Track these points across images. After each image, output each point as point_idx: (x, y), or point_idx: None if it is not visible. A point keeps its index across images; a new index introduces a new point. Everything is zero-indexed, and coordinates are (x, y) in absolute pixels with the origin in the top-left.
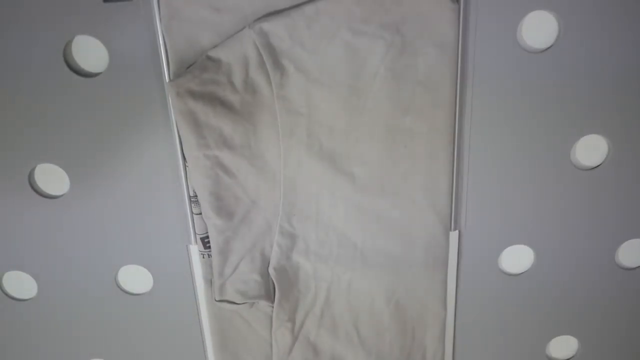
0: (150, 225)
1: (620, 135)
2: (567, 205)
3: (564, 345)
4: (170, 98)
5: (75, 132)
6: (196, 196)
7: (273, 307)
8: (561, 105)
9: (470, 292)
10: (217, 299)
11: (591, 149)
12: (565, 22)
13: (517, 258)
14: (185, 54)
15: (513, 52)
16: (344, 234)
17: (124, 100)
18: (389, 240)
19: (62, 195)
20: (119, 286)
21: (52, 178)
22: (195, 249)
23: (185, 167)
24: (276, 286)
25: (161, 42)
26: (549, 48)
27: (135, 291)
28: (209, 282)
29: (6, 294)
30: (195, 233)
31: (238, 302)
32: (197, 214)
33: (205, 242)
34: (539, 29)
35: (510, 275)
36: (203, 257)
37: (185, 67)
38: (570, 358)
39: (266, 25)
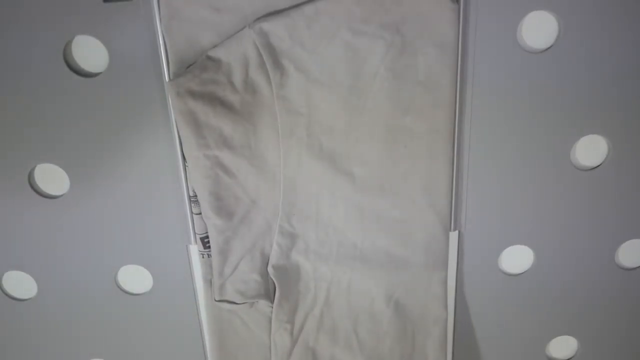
0: (150, 225)
1: (620, 135)
2: (567, 206)
3: (564, 345)
4: (170, 98)
5: (75, 132)
6: (196, 196)
7: (272, 307)
8: (561, 105)
9: (470, 292)
10: (216, 299)
11: (591, 149)
12: (565, 22)
13: (517, 258)
14: (185, 54)
15: (513, 52)
16: (343, 234)
17: (124, 100)
18: (388, 240)
19: (62, 195)
20: (118, 286)
21: (52, 178)
22: (195, 249)
23: (185, 167)
24: (276, 286)
25: (161, 42)
26: (549, 48)
27: (135, 291)
28: (209, 282)
29: (6, 294)
30: (195, 233)
31: (238, 302)
32: (197, 214)
33: (205, 242)
34: (539, 29)
35: (510, 275)
36: (203, 257)
37: (185, 67)
38: (570, 358)
39: (266, 25)
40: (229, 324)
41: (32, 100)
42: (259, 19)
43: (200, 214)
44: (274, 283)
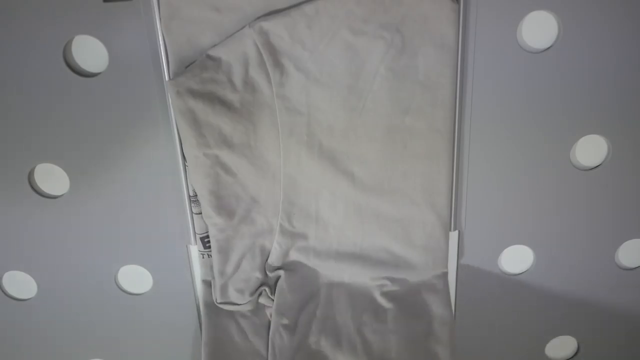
0: (150, 225)
1: (620, 135)
2: (567, 206)
3: (563, 345)
4: (170, 97)
5: (75, 132)
6: (196, 196)
7: (272, 307)
8: (561, 105)
9: (470, 292)
10: (219, 301)
11: (591, 149)
12: (565, 22)
13: (517, 258)
14: (185, 53)
15: (513, 52)
16: (343, 233)
17: (124, 100)
18: (388, 240)
19: (62, 195)
20: (118, 286)
21: (52, 178)
22: (195, 249)
23: (185, 167)
24: (276, 286)
25: (161, 42)
26: (549, 48)
27: (135, 291)
28: (208, 284)
29: (6, 294)
30: (195, 233)
31: (239, 302)
32: (197, 214)
33: (205, 242)
34: (539, 29)
35: (510, 275)
36: (203, 257)
37: (185, 66)
38: (570, 358)
39: (266, 25)
40: (225, 331)
41: (32, 100)
42: (259, 18)
43: (200, 213)
44: (274, 282)
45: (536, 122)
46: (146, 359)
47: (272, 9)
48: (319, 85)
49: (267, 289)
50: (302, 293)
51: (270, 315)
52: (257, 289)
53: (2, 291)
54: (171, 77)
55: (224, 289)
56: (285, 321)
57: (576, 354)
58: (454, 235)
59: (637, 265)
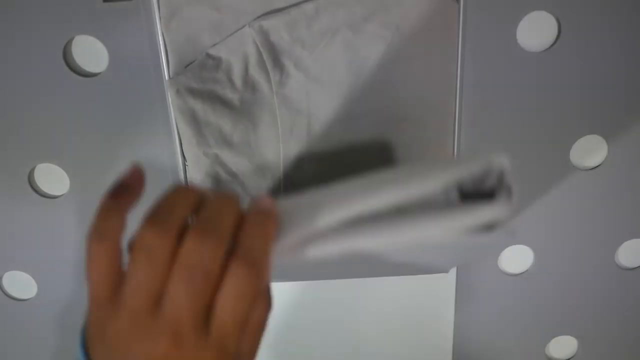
0: None
1: (620, 135)
2: (567, 205)
3: (563, 345)
4: (169, 96)
5: (75, 132)
6: None
7: None
8: (560, 105)
9: (470, 292)
10: None
11: (591, 149)
12: (565, 22)
13: (517, 258)
14: (185, 53)
15: (513, 52)
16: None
17: (124, 100)
18: None
19: (62, 195)
20: None
21: (52, 178)
22: None
23: (185, 166)
24: None
25: (161, 41)
26: (548, 48)
27: None
28: None
29: (6, 294)
30: None
31: None
32: None
33: None
34: (539, 29)
35: (510, 275)
36: None
37: (185, 66)
38: (570, 358)
39: (266, 23)
40: None
41: (32, 100)
42: (259, 17)
43: None
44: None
45: (536, 122)
46: None
47: (272, 8)
48: (319, 84)
49: None
50: None
51: None
52: None
53: (2, 291)
54: (171, 76)
55: None
56: None
57: (576, 353)
58: None
59: (637, 265)
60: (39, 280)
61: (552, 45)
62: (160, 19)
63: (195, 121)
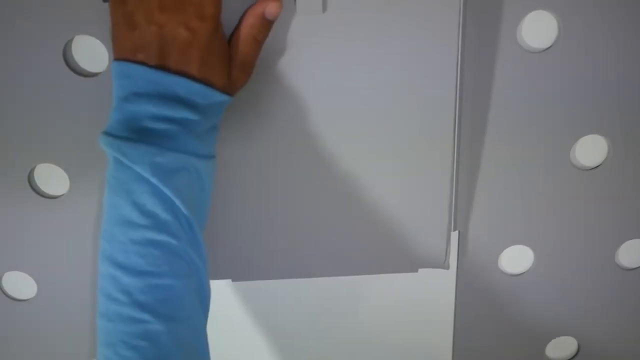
0: None
1: (620, 135)
2: (567, 205)
3: (563, 345)
4: None
5: (75, 132)
6: None
7: None
8: (561, 105)
9: (470, 292)
10: None
11: (591, 149)
12: (565, 22)
13: (517, 258)
14: None
15: (513, 52)
16: None
17: None
18: None
19: (62, 195)
20: None
21: (52, 178)
22: None
23: None
24: None
25: None
26: (549, 48)
27: None
28: None
29: (6, 294)
30: None
31: None
32: None
33: None
34: (539, 29)
35: (510, 275)
36: None
37: None
38: (570, 358)
39: None
40: None
41: (32, 100)
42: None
43: None
44: None
45: (536, 122)
46: None
47: None
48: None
49: None
50: None
51: None
52: None
53: (2, 291)
54: None
55: None
56: None
57: (576, 354)
58: (454, 235)
59: (637, 265)
60: (39, 280)
61: (552, 45)
62: None
63: None
